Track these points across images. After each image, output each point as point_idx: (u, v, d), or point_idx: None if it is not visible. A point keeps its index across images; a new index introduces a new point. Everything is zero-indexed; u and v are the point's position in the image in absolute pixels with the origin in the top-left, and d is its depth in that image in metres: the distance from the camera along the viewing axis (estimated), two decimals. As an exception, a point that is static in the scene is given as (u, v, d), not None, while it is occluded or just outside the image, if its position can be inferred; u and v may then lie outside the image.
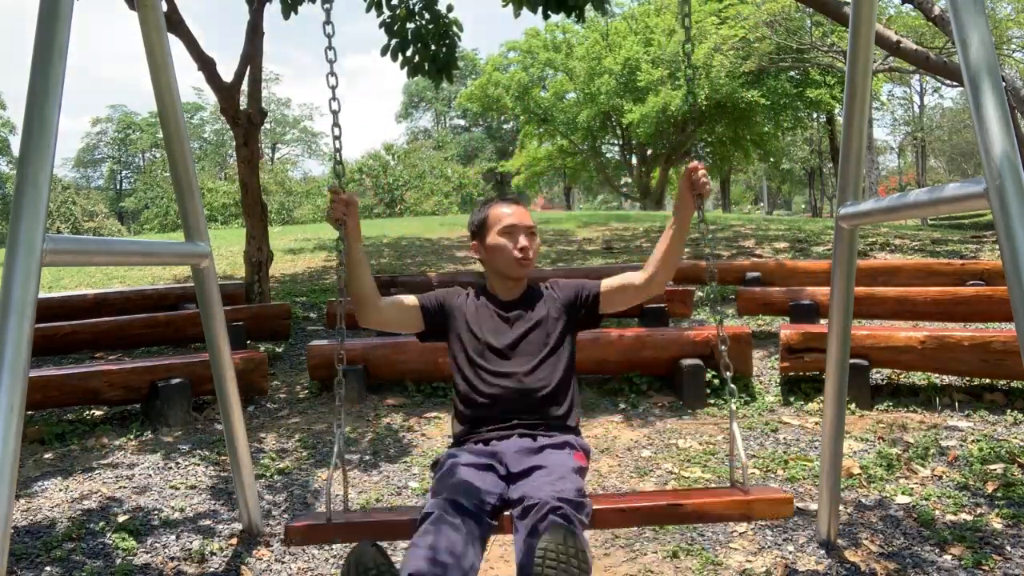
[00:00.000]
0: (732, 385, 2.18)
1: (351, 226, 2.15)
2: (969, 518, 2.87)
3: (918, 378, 4.69)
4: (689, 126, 22.98)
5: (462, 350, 2.24)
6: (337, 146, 2.22)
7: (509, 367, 2.18)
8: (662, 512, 1.97)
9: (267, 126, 42.23)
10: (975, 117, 1.45)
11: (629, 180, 30.85)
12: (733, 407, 2.17)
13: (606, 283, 2.30)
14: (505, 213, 2.26)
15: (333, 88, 2.18)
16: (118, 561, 2.71)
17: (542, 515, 1.72)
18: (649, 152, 27.35)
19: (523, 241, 2.22)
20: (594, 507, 1.87)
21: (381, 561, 1.68)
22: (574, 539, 1.64)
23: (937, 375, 4.57)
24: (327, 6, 2.18)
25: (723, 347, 2.16)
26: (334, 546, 2.80)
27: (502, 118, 37.74)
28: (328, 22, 2.17)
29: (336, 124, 2.18)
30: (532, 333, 2.22)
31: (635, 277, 2.27)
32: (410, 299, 2.28)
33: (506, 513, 1.87)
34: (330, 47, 2.16)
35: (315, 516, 2.08)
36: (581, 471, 1.99)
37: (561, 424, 2.17)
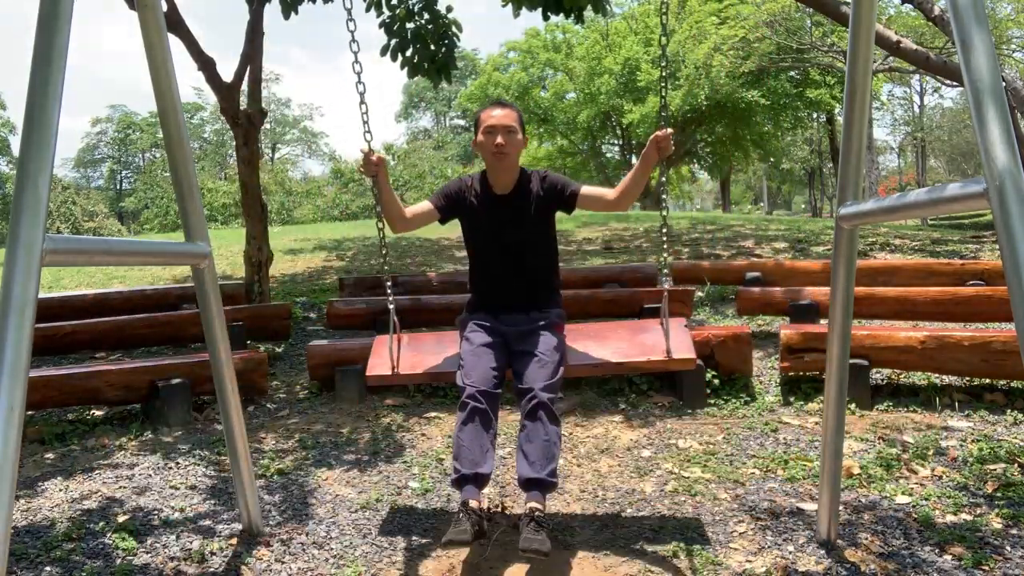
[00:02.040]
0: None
1: (382, 177, 2.79)
2: (969, 518, 2.87)
3: (918, 378, 4.69)
4: (690, 126, 23.00)
5: (470, 235, 2.97)
6: (364, 110, 2.74)
7: (507, 251, 2.87)
8: (606, 364, 2.93)
9: (267, 126, 42.22)
10: (975, 117, 1.45)
11: (629, 180, 30.82)
12: (666, 287, 2.97)
13: (585, 189, 2.89)
14: (489, 115, 2.83)
15: (356, 53, 2.66)
16: (118, 561, 2.71)
17: (531, 408, 2.60)
18: (649, 152, 27.32)
19: (499, 139, 2.78)
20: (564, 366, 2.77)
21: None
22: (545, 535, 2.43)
23: (937, 375, 4.57)
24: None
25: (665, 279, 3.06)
26: (334, 546, 2.80)
27: (502, 118, 37.64)
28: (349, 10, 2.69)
29: (362, 93, 2.71)
30: (524, 222, 2.85)
31: (608, 194, 2.86)
32: (425, 205, 2.92)
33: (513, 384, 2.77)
34: (350, 18, 2.65)
35: (384, 368, 2.91)
36: (561, 344, 2.83)
37: (548, 296, 2.93)
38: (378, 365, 2.97)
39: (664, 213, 2.82)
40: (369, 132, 2.78)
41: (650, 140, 2.70)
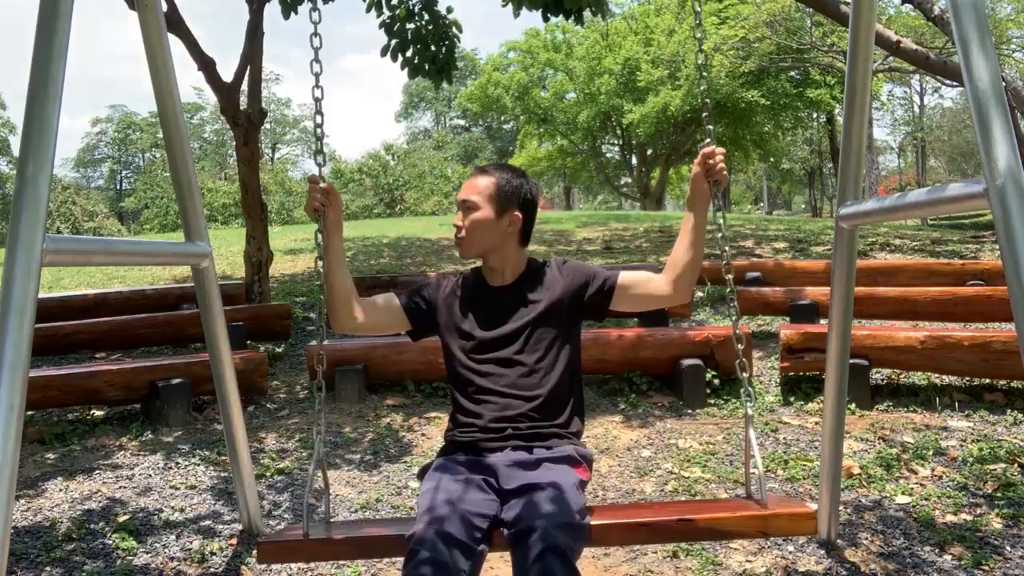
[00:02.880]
0: (750, 387, 2.00)
1: (331, 218, 2.01)
2: (969, 518, 2.87)
3: (918, 378, 4.69)
4: (690, 126, 23.00)
5: (450, 346, 2.07)
6: (319, 134, 2.10)
7: (501, 366, 1.99)
8: (671, 528, 1.80)
9: (267, 126, 42.22)
10: (975, 117, 1.45)
11: (629, 180, 30.85)
12: (750, 412, 1.99)
13: (625, 277, 2.04)
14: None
15: (317, 76, 2.08)
16: (118, 561, 2.71)
17: (535, 555, 1.59)
18: (649, 152, 27.35)
19: (456, 218, 2.05)
20: (595, 522, 1.76)
21: None
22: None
23: (937, 375, 4.56)
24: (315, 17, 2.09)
25: (739, 345, 2.03)
26: (334, 546, 2.80)
27: (502, 118, 37.74)
28: (315, 9, 2.09)
29: (319, 112, 2.08)
30: (529, 326, 2.00)
31: (656, 282, 2.03)
32: (389, 299, 2.11)
33: (502, 531, 1.74)
34: (316, 33, 2.08)
35: (290, 530, 1.93)
36: (581, 485, 1.85)
37: (560, 432, 1.97)
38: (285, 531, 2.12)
39: (727, 263, 2.05)
40: (322, 152, 2.10)
41: (695, 165, 1.99)
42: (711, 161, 1.95)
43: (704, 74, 2.17)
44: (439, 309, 2.09)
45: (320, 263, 2.01)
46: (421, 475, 2.02)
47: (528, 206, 2.06)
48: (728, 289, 2.05)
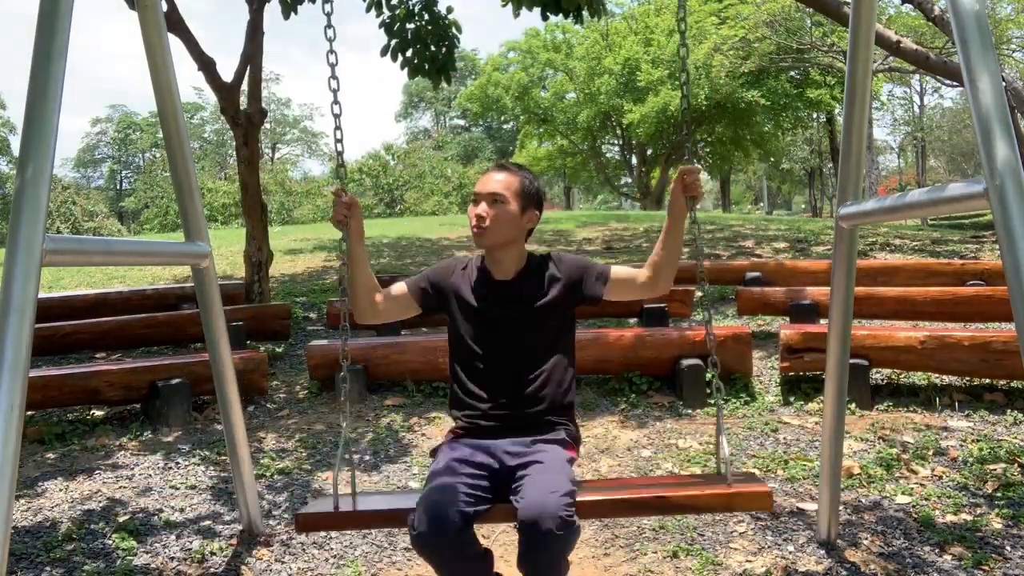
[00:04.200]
0: (719, 382, 2.19)
1: (354, 227, 2.18)
2: (969, 518, 2.87)
3: (918, 378, 4.69)
4: (684, 128, 22.99)
5: (456, 332, 2.23)
6: (339, 149, 2.23)
7: (503, 355, 2.16)
8: (647, 503, 2.03)
9: (267, 126, 42.19)
10: (975, 117, 1.45)
11: (629, 180, 30.86)
12: (721, 403, 2.19)
13: (616, 271, 2.23)
14: (479, 180, 2.22)
15: (335, 92, 2.19)
16: (118, 562, 2.71)
17: (535, 543, 1.83)
18: (649, 152, 27.36)
19: (478, 208, 2.15)
20: (582, 498, 1.94)
21: None
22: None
23: (937, 375, 4.57)
24: (328, 9, 2.19)
25: (711, 344, 2.19)
26: (333, 546, 2.80)
27: (502, 118, 37.72)
28: (329, 26, 2.20)
29: (338, 127, 2.20)
30: (529, 318, 2.17)
31: (640, 276, 2.22)
32: (400, 288, 2.28)
33: (504, 504, 1.95)
34: (332, 51, 2.19)
35: (324, 503, 2.13)
36: (571, 461, 2.09)
37: (555, 413, 2.17)
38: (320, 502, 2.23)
39: (702, 272, 2.24)
40: (343, 166, 2.25)
41: (675, 181, 2.19)
42: (687, 178, 2.14)
43: (685, 93, 2.30)
44: (446, 294, 2.25)
45: (345, 267, 2.18)
46: (433, 454, 2.23)
47: (542, 207, 2.26)
48: (704, 293, 2.22)
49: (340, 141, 2.22)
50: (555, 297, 2.19)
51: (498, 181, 2.16)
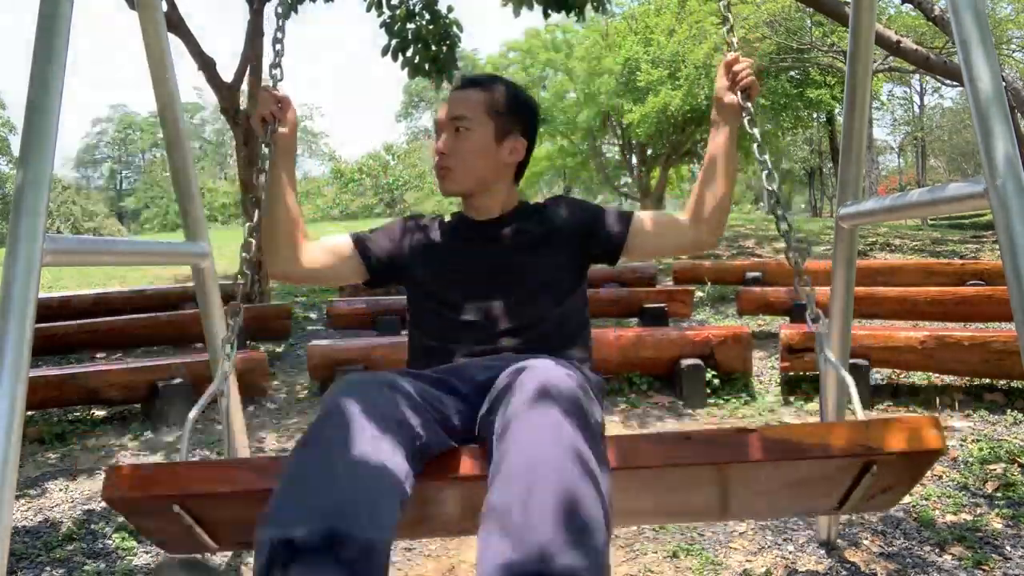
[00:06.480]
0: (817, 310, 1.67)
1: (282, 135, 1.62)
2: (969, 518, 2.87)
3: (918, 378, 4.69)
4: (690, 126, 23.01)
5: (423, 289, 1.64)
6: (278, 50, 1.84)
7: (481, 311, 1.56)
8: (765, 444, 1.29)
9: (267, 126, 42.14)
10: (975, 117, 1.45)
11: (629, 180, 30.84)
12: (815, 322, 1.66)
13: (642, 213, 1.67)
14: (441, 105, 1.67)
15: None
16: (119, 562, 2.71)
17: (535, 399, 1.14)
18: (649, 152, 27.34)
19: (439, 142, 1.60)
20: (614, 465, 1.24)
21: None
22: None
23: (937, 375, 4.57)
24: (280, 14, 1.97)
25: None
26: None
27: (502, 118, 37.71)
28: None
29: (280, 29, 1.91)
30: (518, 262, 1.60)
31: (678, 219, 1.65)
32: (341, 241, 1.68)
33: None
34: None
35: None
36: (598, 388, 1.47)
37: (567, 346, 1.57)
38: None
39: (777, 199, 1.71)
40: (279, 67, 1.78)
41: (718, 78, 1.65)
42: (736, 68, 1.62)
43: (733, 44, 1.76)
44: (403, 249, 1.68)
45: (263, 189, 1.61)
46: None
47: (533, 132, 1.67)
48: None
49: (280, 41, 1.87)
50: (554, 232, 1.62)
51: (461, 101, 1.59)
